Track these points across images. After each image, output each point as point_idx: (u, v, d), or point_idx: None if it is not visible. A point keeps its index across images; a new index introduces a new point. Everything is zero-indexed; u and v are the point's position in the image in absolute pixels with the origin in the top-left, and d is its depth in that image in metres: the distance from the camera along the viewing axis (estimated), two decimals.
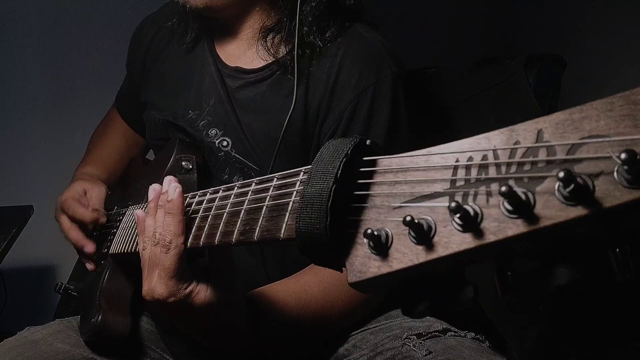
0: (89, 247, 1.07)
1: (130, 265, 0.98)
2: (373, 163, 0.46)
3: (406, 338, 0.88)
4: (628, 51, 1.83)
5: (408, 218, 0.37)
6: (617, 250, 0.30)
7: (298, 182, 0.54)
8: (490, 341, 0.90)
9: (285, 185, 0.56)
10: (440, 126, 1.45)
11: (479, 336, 0.90)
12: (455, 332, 0.90)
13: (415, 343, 0.86)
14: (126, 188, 1.23)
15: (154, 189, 0.73)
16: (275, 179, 0.59)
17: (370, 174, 0.46)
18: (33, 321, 1.03)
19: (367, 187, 0.45)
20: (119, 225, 1.03)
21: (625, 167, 0.29)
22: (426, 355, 0.83)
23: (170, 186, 0.69)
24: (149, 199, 0.73)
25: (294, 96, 0.93)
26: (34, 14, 2.06)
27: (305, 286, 0.87)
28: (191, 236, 0.67)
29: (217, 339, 0.77)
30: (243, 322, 0.76)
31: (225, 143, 1.02)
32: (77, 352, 0.93)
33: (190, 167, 0.98)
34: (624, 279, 0.30)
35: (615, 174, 0.31)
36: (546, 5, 2.20)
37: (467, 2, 2.35)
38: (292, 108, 0.93)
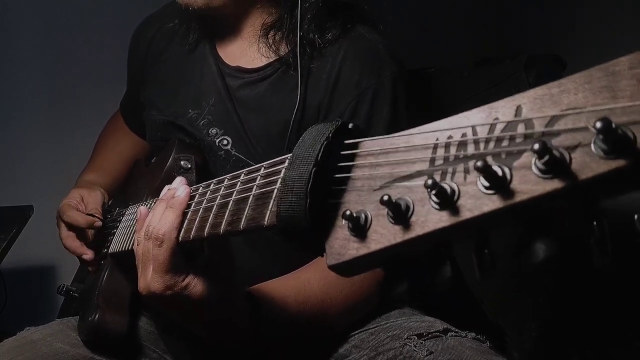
0: (87, 255, 1.08)
1: (129, 264, 0.98)
2: (355, 146, 0.45)
3: (407, 338, 0.87)
4: (628, 51, 1.81)
5: (385, 198, 0.37)
6: (595, 223, 0.29)
7: (283, 170, 0.54)
8: (491, 341, 0.90)
9: (271, 174, 0.56)
10: None
11: (479, 336, 0.89)
12: (456, 332, 0.89)
13: (416, 343, 0.85)
14: (128, 189, 1.23)
15: (168, 188, 0.73)
16: (262, 168, 0.59)
17: (352, 157, 0.45)
18: (33, 321, 1.03)
19: (348, 169, 0.44)
20: (119, 226, 1.03)
21: (601, 137, 0.28)
22: (427, 355, 0.82)
23: (181, 186, 0.70)
24: (160, 197, 0.73)
25: (299, 90, 0.94)
26: (34, 14, 2.06)
27: (306, 282, 0.86)
28: (183, 229, 0.67)
29: (217, 334, 0.76)
30: (244, 319, 0.75)
31: (225, 142, 1.02)
32: (76, 352, 0.92)
33: (189, 166, 0.98)
34: (602, 263, 0.29)
35: (592, 145, 0.30)
36: (546, 5, 2.20)
37: (467, 2, 2.35)
38: (297, 102, 0.94)
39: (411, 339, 0.86)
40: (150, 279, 0.68)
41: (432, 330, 0.88)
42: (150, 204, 0.91)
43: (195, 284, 0.68)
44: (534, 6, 2.24)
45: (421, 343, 0.85)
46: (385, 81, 0.96)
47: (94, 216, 1.09)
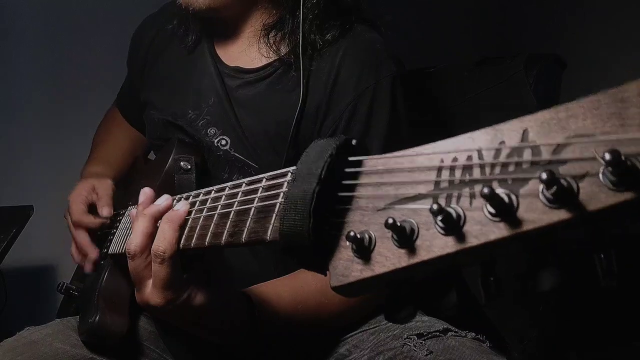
0: (94, 254, 1.07)
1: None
2: (358, 163, 0.45)
3: (407, 338, 0.87)
4: (628, 51, 1.81)
5: (390, 221, 0.36)
6: (602, 255, 0.29)
7: (285, 183, 0.53)
8: (491, 341, 0.89)
9: (273, 187, 0.55)
10: (440, 126, 1.45)
11: (479, 336, 0.89)
12: (455, 332, 0.89)
13: (416, 343, 0.85)
14: (127, 188, 1.23)
15: (144, 192, 0.73)
16: (264, 179, 0.58)
17: (356, 175, 0.45)
18: (33, 321, 1.02)
19: (352, 188, 0.44)
20: (118, 226, 1.03)
21: (610, 169, 0.28)
22: (427, 355, 0.82)
23: (181, 202, 0.69)
24: (139, 202, 0.72)
25: (302, 90, 0.94)
26: (34, 14, 2.05)
27: (303, 283, 0.87)
28: (183, 237, 0.67)
29: (215, 335, 0.77)
30: (241, 320, 0.76)
31: (224, 142, 1.02)
32: (76, 352, 0.92)
33: (189, 167, 0.98)
34: (608, 285, 0.28)
35: (600, 175, 0.29)
36: (546, 5, 2.19)
37: (468, 2, 2.34)
38: (300, 102, 0.94)
39: (411, 339, 0.86)
40: (149, 294, 0.68)
41: (432, 330, 0.88)
42: None
43: (195, 295, 0.68)
44: (534, 6, 2.24)
45: (421, 343, 0.85)
46: (384, 81, 0.96)
47: (100, 217, 1.09)
